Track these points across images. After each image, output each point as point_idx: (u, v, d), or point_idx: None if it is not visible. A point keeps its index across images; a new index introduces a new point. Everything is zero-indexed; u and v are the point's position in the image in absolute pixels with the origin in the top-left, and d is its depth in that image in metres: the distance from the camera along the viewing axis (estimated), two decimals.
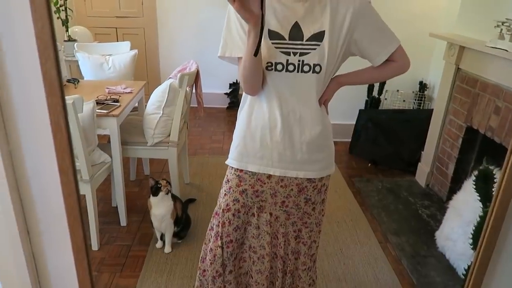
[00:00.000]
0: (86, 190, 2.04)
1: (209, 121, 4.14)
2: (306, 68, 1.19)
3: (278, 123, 1.24)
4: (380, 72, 1.28)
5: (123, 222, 2.41)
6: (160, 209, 2.11)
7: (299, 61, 1.18)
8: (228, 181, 1.35)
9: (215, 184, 2.86)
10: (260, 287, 1.44)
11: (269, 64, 1.20)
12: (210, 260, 1.40)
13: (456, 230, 2.08)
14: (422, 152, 3.05)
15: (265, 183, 1.31)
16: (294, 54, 1.18)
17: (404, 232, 2.41)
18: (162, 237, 2.20)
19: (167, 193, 2.09)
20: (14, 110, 0.63)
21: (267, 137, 1.26)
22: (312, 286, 1.53)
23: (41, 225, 0.69)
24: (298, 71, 1.19)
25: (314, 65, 1.18)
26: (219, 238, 1.37)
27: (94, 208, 2.11)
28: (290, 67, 1.19)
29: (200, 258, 1.47)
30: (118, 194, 2.34)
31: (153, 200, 2.10)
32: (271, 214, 1.36)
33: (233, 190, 1.33)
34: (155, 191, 2.08)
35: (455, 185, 2.56)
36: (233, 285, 1.43)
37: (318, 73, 1.19)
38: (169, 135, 2.39)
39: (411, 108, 3.54)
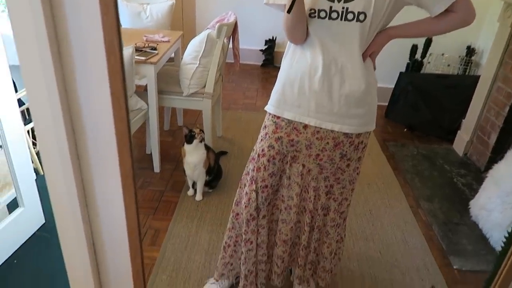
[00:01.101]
0: None
1: (243, 77, 4.09)
2: (350, 16, 1.12)
3: (318, 71, 1.20)
4: (438, 24, 1.18)
5: (157, 168, 2.47)
6: (194, 157, 2.13)
7: (343, 8, 1.12)
8: (265, 127, 1.35)
9: (247, 139, 2.87)
10: (283, 236, 1.46)
11: (312, 11, 1.15)
12: (245, 203, 1.42)
13: (493, 200, 2.02)
14: (462, 120, 2.92)
15: (300, 133, 1.29)
16: (338, 0, 1.12)
17: (437, 199, 2.36)
18: (194, 185, 2.25)
19: (200, 141, 2.10)
20: (68, 29, 0.62)
21: (306, 85, 1.23)
22: (340, 243, 1.53)
23: (91, 151, 0.69)
24: (341, 19, 1.13)
25: (359, 13, 1.11)
26: (254, 183, 1.38)
27: (135, 179, 2.17)
28: (333, 15, 1.13)
29: (235, 201, 1.50)
30: (153, 141, 2.39)
31: (187, 148, 2.12)
32: (303, 165, 1.34)
33: (269, 136, 1.32)
34: (189, 139, 2.10)
35: (496, 155, 2.45)
36: (266, 230, 1.46)
37: (362, 21, 1.12)
38: (205, 86, 2.39)
39: (456, 73, 3.36)
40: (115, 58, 0.62)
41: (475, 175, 2.59)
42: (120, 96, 0.64)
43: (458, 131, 2.93)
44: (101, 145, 0.68)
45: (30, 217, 1.90)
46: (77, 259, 0.78)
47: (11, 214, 1.83)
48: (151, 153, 2.49)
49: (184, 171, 2.23)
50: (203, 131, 2.15)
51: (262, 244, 1.47)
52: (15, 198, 1.89)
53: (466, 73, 3.33)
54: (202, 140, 2.11)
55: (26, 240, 1.88)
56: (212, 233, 2.00)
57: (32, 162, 2.00)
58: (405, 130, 3.18)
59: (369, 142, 2.99)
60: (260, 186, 1.38)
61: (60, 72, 0.64)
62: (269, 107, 1.32)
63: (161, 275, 1.74)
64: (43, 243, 1.89)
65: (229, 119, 3.15)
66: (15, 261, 1.78)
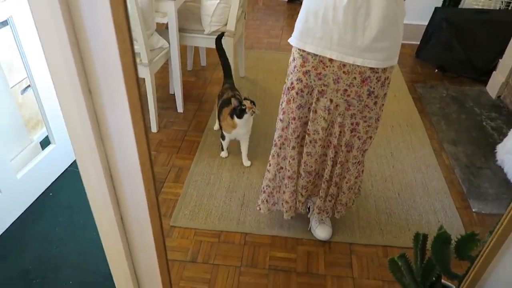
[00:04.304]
0: (145, 73, 2.11)
1: (268, 15, 3.94)
2: None
3: (344, 1, 1.16)
4: None
5: (180, 108, 2.51)
6: (243, 128, 2.01)
7: None
8: (293, 59, 1.36)
9: (270, 80, 2.83)
10: (308, 168, 1.52)
11: None
12: (278, 128, 1.50)
13: None
14: (499, 59, 2.74)
15: (327, 66, 1.29)
16: None
17: (463, 143, 2.31)
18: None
19: (251, 115, 1.93)
20: None
21: (330, 15, 1.19)
22: (358, 178, 1.57)
23: (101, 85, 0.71)
24: None
25: None
26: (284, 114, 1.45)
27: (153, 92, 2.20)
28: None
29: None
30: (176, 81, 2.40)
31: (238, 122, 1.95)
32: (331, 100, 1.35)
33: (297, 70, 1.34)
34: (240, 113, 1.91)
35: None
36: (296, 161, 1.52)
37: None
38: (226, 24, 2.33)
39: (498, 8, 3.10)
40: None
41: (507, 119, 2.49)
42: (123, 28, 0.64)
43: (494, 72, 2.77)
44: (110, 79, 0.70)
45: (61, 154, 2.01)
46: (97, 191, 0.84)
47: (44, 150, 1.94)
48: (174, 94, 2.51)
49: (222, 136, 2.09)
50: (254, 103, 1.95)
51: (293, 174, 1.55)
52: (47, 136, 1.99)
53: (509, 8, 3.07)
54: (253, 113, 1.93)
55: (60, 175, 2.01)
56: (233, 172, 2.07)
57: None
58: (436, 70, 3.04)
59: (397, 83, 2.89)
60: (289, 118, 1.44)
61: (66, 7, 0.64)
62: (292, 39, 1.33)
63: (184, 210, 1.84)
64: (75, 178, 2.01)
65: (252, 59, 3.09)
66: (50, 194, 1.92)
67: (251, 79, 2.87)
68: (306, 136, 1.45)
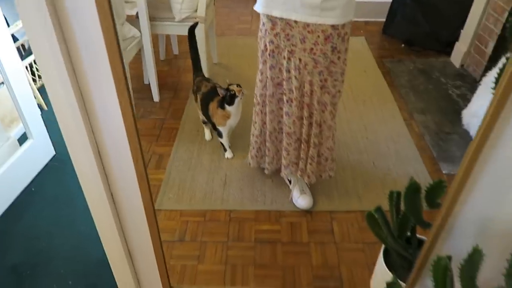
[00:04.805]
0: None
1: (237, 1, 3.96)
2: None
3: None
4: None
5: (156, 98, 2.53)
6: (237, 116, 1.97)
7: None
8: (263, 24, 1.49)
9: (243, 65, 2.87)
10: (287, 129, 1.63)
11: None
12: (258, 87, 1.65)
13: (485, 107, 2.06)
14: (461, 31, 2.86)
15: (293, 28, 1.41)
16: None
17: (431, 111, 2.42)
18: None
19: (241, 98, 1.90)
20: None
21: None
22: (333, 140, 1.68)
23: (85, 61, 0.74)
24: None
25: None
26: (260, 74, 1.60)
27: (128, 82, 2.21)
28: None
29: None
30: (150, 70, 2.42)
31: (231, 109, 1.91)
32: (300, 60, 1.47)
33: (268, 33, 1.47)
34: (230, 99, 1.88)
35: (492, 64, 2.45)
36: (276, 118, 1.67)
37: None
38: (196, 10, 2.35)
39: None
40: None
41: (471, 86, 2.62)
42: (104, 4, 0.68)
43: (456, 43, 2.90)
44: (93, 54, 0.73)
45: (40, 149, 2.01)
46: (85, 166, 0.88)
47: (22, 146, 1.94)
48: (149, 83, 2.52)
49: (219, 135, 2.03)
50: (240, 86, 1.91)
51: (274, 131, 1.71)
52: (25, 132, 1.98)
53: None
54: (243, 95, 1.90)
55: (40, 171, 2.01)
56: (213, 155, 2.11)
57: (35, 98, 2.06)
58: (403, 45, 3.15)
59: (366, 59, 2.98)
60: (266, 78, 1.57)
61: None
62: (259, 7, 1.45)
63: (168, 194, 1.88)
64: (57, 172, 2.02)
65: (224, 45, 3.12)
66: (33, 189, 1.92)
67: (225, 64, 2.91)
68: (284, 96, 1.57)
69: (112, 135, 0.83)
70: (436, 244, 1.02)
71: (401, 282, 1.11)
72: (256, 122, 1.74)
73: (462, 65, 2.82)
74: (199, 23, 2.35)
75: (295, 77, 1.49)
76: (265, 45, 1.51)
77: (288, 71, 1.50)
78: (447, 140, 2.19)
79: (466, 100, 2.44)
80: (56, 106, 0.78)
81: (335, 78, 1.51)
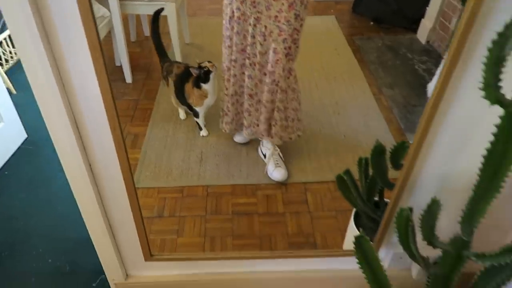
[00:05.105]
0: None
1: None
2: None
3: None
4: None
5: (128, 79, 2.51)
6: (213, 94, 1.97)
7: None
8: None
9: (216, 44, 2.84)
10: (249, 91, 1.72)
11: None
12: (224, 55, 1.77)
13: None
14: (427, 8, 2.96)
15: None
16: None
17: (398, 86, 2.51)
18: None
19: (215, 72, 1.92)
20: None
21: None
22: (297, 101, 1.76)
23: (59, 27, 0.75)
24: None
25: None
26: (228, 40, 1.69)
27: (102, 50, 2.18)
28: None
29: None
30: (121, 51, 2.39)
31: (207, 87, 1.93)
32: (266, 27, 1.52)
33: (235, 0, 1.52)
34: (205, 76, 1.89)
35: None
36: (238, 82, 1.76)
37: None
38: None
39: None
40: None
41: (436, 61, 2.72)
42: None
43: (422, 20, 2.99)
44: (67, 20, 0.74)
45: (11, 132, 1.98)
46: (63, 138, 0.89)
47: None
48: (121, 65, 2.50)
49: (195, 115, 2.04)
50: (211, 61, 1.94)
51: (235, 95, 1.81)
52: None
53: None
54: (216, 69, 1.91)
55: (13, 154, 1.99)
56: (188, 133, 2.14)
57: (3, 82, 2.02)
58: (371, 23, 3.22)
59: (337, 37, 3.01)
60: (232, 43, 1.65)
61: None
62: None
63: (145, 172, 1.90)
64: (30, 155, 2.00)
65: (196, 26, 3.11)
66: (6, 173, 1.90)
67: (197, 44, 2.90)
68: (247, 60, 1.64)
69: (89, 104, 0.85)
70: (400, 201, 1.10)
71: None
72: (227, 88, 1.82)
73: (427, 41, 2.92)
74: (170, 2, 2.34)
75: (260, 43, 1.56)
76: (232, 12, 1.57)
77: (253, 36, 1.57)
78: (414, 112, 2.29)
79: (431, 74, 2.55)
80: (31, 75, 0.79)
81: (297, 45, 1.58)
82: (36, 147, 2.04)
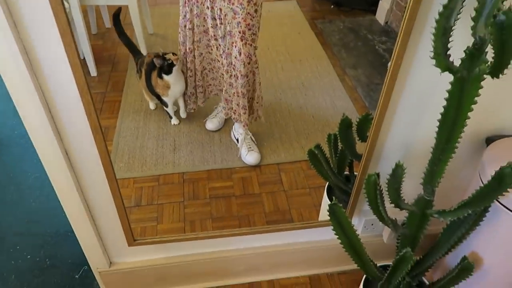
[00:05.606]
0: None
1: None
2: None
3: None
4: None
5: (93, 72, 2.46)
6: (178, 85, 1.97)
7: None
8: None
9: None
10: (209, 66, 1.83)
11: None
12: (182, 41, 1.84)
13: None
14: None
15: None
16: None
17: (361, 66, 2.61)
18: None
19: (179, 65, 1.91)
20: None
21: None
22: (256, 83, 1.82)
23: (27, 19, 0.76)
24: None
25: None
26: (188, 23, 1.76)
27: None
28: None
29: None
30: (83, 44, 2.34)
31: (169, 79, 1.92)
32: (221, 10, 1.57)
33: None
34: (168, 69, 1.89)
35: None
36: (202, 58, 1.86)
37: None
38: None
39: None
40: None
41: (395, 41, 2.83)
42: None
43: (380, 1, 3.10)
44: (35, 9, 0.75)
45: None
46: (37, 126, 0.90)
47: None
48: (84, 58, 2.45)
49: (164, 104, 2.04)
50: (175, 54, 1.92)
51: (197, 72, 1.89)
52: None
53: None
54: (179, 63, 1.91)
55: None
56: (160, 122, 2.14)
57: None
58: (332, 6, 3.29)
59: (299, 21, 3.08)
60: (192, 26, 1.73)
61: None
62: None
63: (119, 164, 1.90)
64: None
65: (158, 16, 3.07)
66: None
67: (161, 34, 2.88)
68: (212, 40, 1.71)
69: (63, 90, 0.85)
70: (368, 169, 1.18)
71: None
72: (191, 70, 1.87)
73: (386, 22, 3.04)
74: None
75: (217, 25, 1.62)
76: None
77: (214, 18, 1.62)
78: (377, 90, 2.39)
79: (391, 53, 2.66)
80: (2, 69, 0.79)
81: (253, 31, 1.62)
82: (1, 146, 1.99)
